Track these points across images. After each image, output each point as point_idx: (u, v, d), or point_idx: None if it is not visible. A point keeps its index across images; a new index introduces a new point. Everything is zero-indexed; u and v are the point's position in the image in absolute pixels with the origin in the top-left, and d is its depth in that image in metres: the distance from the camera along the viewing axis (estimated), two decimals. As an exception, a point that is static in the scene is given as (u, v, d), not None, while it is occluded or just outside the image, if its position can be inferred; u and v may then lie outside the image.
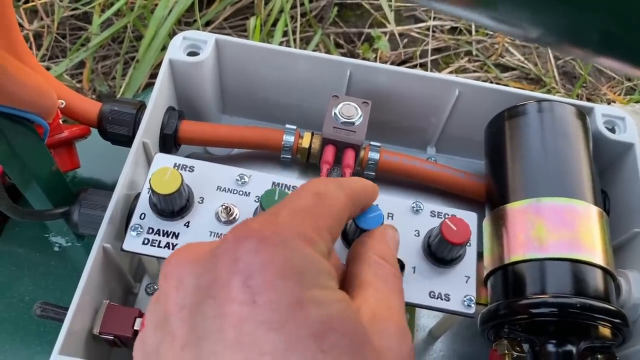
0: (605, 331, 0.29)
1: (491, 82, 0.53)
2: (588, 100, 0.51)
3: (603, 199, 0.38)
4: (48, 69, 0.52)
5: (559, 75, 0.53)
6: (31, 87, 0.27)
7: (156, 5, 0.53)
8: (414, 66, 0.55)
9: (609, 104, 0.49)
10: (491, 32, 0.58)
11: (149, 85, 0.51)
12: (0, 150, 0.27)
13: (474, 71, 0.55)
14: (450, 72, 0.55)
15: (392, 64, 0.56)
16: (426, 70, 0.54)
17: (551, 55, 0.55)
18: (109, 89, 0.52)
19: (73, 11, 0.56)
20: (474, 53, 0.57)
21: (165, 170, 0.29)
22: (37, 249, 0.38)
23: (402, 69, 0.38)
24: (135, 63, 0.52)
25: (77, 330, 0.29)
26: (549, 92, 0.53)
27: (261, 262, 0.17)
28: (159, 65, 0.53)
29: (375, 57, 0.56)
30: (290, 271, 0.17)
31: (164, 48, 0.53)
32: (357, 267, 0.22)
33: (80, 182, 0.40)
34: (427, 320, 0.36)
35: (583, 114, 0.36)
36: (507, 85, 0.54)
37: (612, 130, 0.37)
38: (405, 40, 0.58)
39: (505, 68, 0.55)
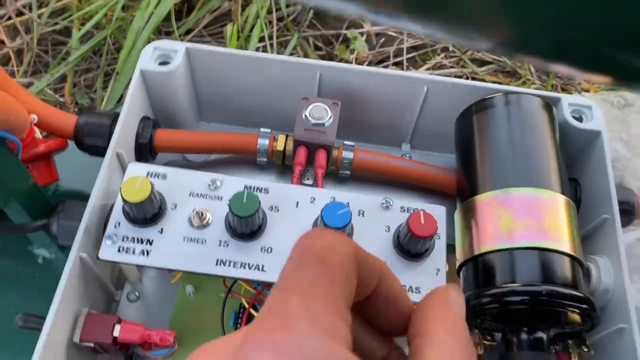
0: (575, 317, 0.30)
1: (467, 77, 0.54)
2: (563, 90, 0.52)
3: (574, 187, 0.38)
4: (30, 84, 0.53)
5: (535, 68, 0.54)
6: (3, 106, 0.28)
7: (134, 16, 0.54)
8: (391, 65, 0.56)
9: (580, 93, 0.49)
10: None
11: (130, 96, 0.52)
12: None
13: (451, 67, 0.56)
14: (427, 69, 0.55)
15: (369, 63, 0.57)
16: (402, 68, 0.55)
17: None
18: (90, 101, 0.52)
19: (54, 26, 0.57)
20: (450, 49, 0.57)
21: (136, 179, 0.29)
22: (22, 261, 0.39)
23: (370, 68, 0.39)
24: (115, 75, 0.52)
25: (58, 339, 0.29)
26: (524, 84, 0.53)
27: None
28: (138, 75, 0.54)
29: (353, 58, 0.56)
30: None
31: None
32: (422, 350, 0.17)
33: (61, 194, 0.41)
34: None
35: (549, 105, 0.36)
36: (483, 80, 0.54)
37: (580, 119, 0.38)
38: (382, 39, 0.58)
39: (481, 62, 0.56)
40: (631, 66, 0.13)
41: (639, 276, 0.37)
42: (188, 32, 0.59)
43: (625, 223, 0.39)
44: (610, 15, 0.11)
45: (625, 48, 0.12)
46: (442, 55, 0.57)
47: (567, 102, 0.38)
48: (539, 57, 0.14)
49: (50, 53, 0.58)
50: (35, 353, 0.28)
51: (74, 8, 0.56)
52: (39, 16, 0.55)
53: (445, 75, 0.44)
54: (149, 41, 0.53)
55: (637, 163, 0.40)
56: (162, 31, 0.58)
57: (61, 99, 0.54)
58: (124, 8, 0.55)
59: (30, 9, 0.56)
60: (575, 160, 0.39)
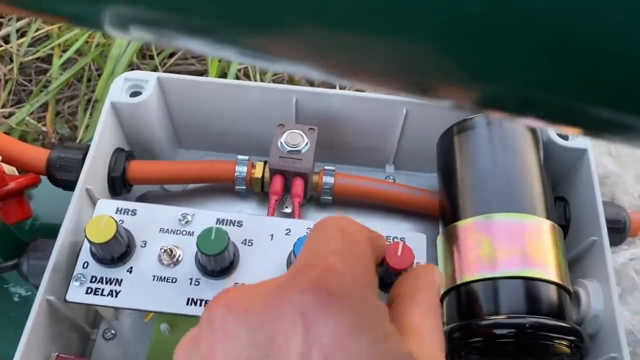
0: (562, 348, 0.29)
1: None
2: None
3: (563, 207, 0.37)
4: (12, 114, 0.53)
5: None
6: None
7: (114, 42, 0.54)
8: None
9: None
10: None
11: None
12: None
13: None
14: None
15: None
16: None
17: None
18: (70, 131, 0.52)
19: (35, 54, 0.56)
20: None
21: (101, 219, 0.28)
22: (-3, 300, 0.38)
23: (348, 92, 0.38)
24: (94, 103, 0.52)
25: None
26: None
27: (330, 318, 0.16)
28: (120, 102, 0.53)
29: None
30: (361, 325, 0.16)
31: (125, 84, 0.53)
32: (406, 308, 0.21)
33: (37, 230, 0.40)
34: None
35: (533, 127, 0.35)
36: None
37: (565, 138, 0.36)
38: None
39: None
40: (599, 120, 0.12)
41: (632, 297, 0.35)
42: (172, 55, 0.58)
43: (617, 242, 0.38)
44: (578, 75, 0.11)
45: (594, 104, 0.11)
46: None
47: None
48: (507, 113, 0.13)
49: (34, 81, 0.57)
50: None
51: (55, 36, 0.56)
52: (19, 46, 0.54)
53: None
54: (129, 66, 0.53)
55: (627, 178, 0.39)
56: (146, 54, 0.58)
57: (44, 128, 0.53)
58: (104, 34, 0.55)
59: (7, 41, 0.56)
60: (563, 179, 0.38)
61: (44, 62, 0.58)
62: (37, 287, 0.38)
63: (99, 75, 0.56)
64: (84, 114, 0.52)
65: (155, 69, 0.55)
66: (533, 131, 0.35)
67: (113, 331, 0.35)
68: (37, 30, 0.56)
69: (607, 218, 0.36)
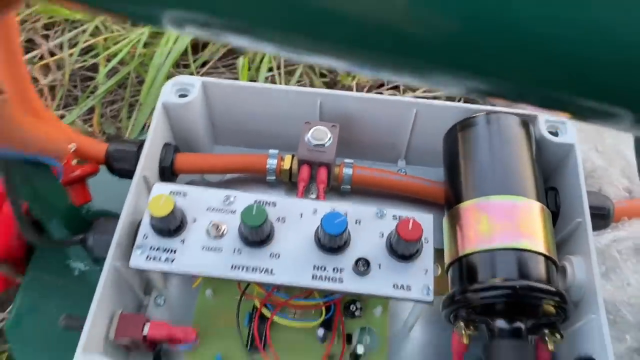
0: (549, 309, 0.34)
1: (460, 99, 0.59)
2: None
3: (554, 195, 0.42)
4: (62, 117, 0.59)
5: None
6: (44, 137, 0.33)
7: (155, 52, 0.60)
8: (389, 89, 0.60)
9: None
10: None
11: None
12: (26, 191, 0.33)
13: (445, 88, 0.61)
14: (423, 92, 0.60)
15: (369, 88, 0.61)
16: (398, 91, 0.59)
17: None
18: (116, 130, 0.58)
19: (82, 63, 0.63)
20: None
21: (160, 197, 0.34)
22: (60, 274, 0.44)
23: (364, 94, 0.43)
24: (139, 106, 0.58)
25: (96, 337, 0.34)
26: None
27: None
28: (159, 106, 0.59)
29: (354, 83, 0.61)
30: None
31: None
32: None
33: (94, 214, 0.46)
34: (403, 314, 0.40)
35: (526, 122, 0.41)
36: (474, 100, 0.59)
37: (555, 134, 0.42)
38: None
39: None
40: (583, 107, 0.17)
41: (615, 275, 0.40)
42: (204, 64, 0.64)
43: (602, 226, 0.43)
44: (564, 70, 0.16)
45: (578, 94, 0.17)
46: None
47: (544, 119, 0.42)
48: (507, 100, 0.19)
49: (79, 87, 0.63)
50: (77, 349, 0.32)
51: (100, 46, 0.62)
52: (70, 55, 0.61)
53: (439, 98, 0.48)
54: (168, 74, 0.59)
55: (613, 172, 0.44)
56: (180, 64, 0.64)
57: (90, 129, 0.59)
58: (145, 45, 0.61)
59: (62, 49, 0.62)
60: (554, 171, 0.43)
61: (87, 71, 0.65)
62: (97, 261, 0.43)
63: (139, 83, 0.62)
64: (128, 115, 0.59)
65: (189, 77, 0.61)
66: (526, 127, 0.40)
67: (163, 298, 0.40)
68: (85, 41, 0.62)
69: (593, 205, 0.41)
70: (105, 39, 0.62)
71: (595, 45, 0.15)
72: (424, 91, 0.60)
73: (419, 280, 0.35)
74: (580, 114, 0.19)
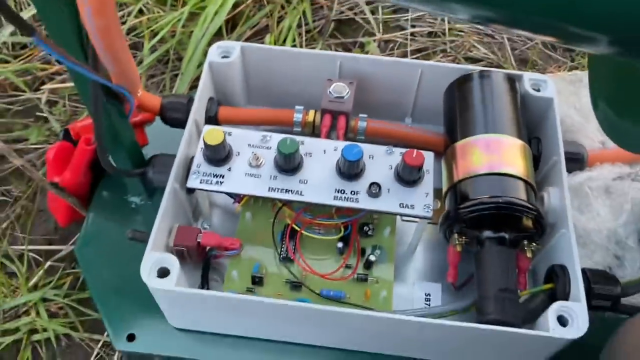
0: (528, 223, 0.41)
1: (460, 62, 0.66)
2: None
3: (537, 143, 0.49)
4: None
5: (515, 62, 0.66)
6: (133, 70, 0.40)
7: (192, 31, 0.68)
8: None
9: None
10: (461, 33, 0.72)
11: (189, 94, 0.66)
12: (106, 122, 0.41)
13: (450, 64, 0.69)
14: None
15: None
16: (407, 56, 0.67)
17: (508, 47, 0.68)
18: (160, 96, 0.66)
19: (128, 41, 0.71)
20: (447, 50, 0.70)
21: (213, 130, 0.42)
22: (119, 206, 0.52)
23: (378, 57, 0.51)
24: (180, 77, 0.66)
25: (159, 242, 0.42)
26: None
27: None
28: (197, 78, 0.67)
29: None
30: None
31: (199, 65, 0.67)
32: None
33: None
34: (407, 238, 0.48)
35: (513, 79, 0.48)
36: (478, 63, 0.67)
37: (538, 90, 0.49)
38: (391, 45, 0.71)
39: (473, 60, 0.68)
40: (568, 33, 0.24)
41: (587, 208, 0.48)
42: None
43: (578, 169, 0.51)
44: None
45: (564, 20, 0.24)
46: (441, 55, 0.69)
47: (528, 77, 0.50)
48: (505, 26, 0.26)
49: (124, 63, 0.72)
50: (146, 252, 0.40)
51: (144, 26, 0.71)
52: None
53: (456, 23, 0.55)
54: (204, 50, 0.67)
55: (588, 126, 0.52)
56: (210, 42, 0.72)
57: (135, 98, 0.68)
58: (183, 25, 0.70)
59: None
60: (537, 123, 0.50)
61: (131, 48, 0.73)
62: (151, 195, 0.52)
63: (176, 59, 0.71)
64: (170, 85, 0.67)
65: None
66: (512, 83, 0.48)
67: (208, 223, 0.48)
68: (131, 22, 0.71)
69: (569, 151, 0.49)
70: (148, 19, 0.71)
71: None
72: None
73: (421, 201, 0.42)
74: (564, 38, 0.26)
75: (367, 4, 0.70)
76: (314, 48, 0.71)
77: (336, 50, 0.72)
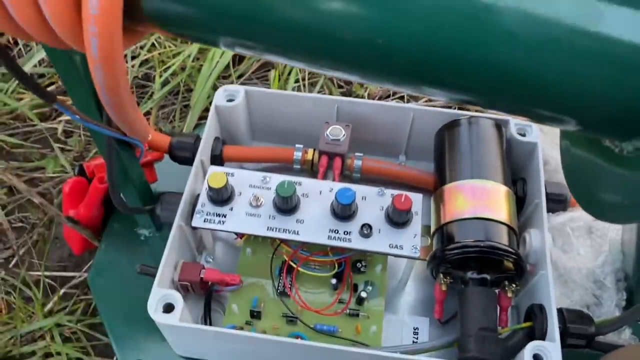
0: (509, 265, 0.44)
1: (455, 107, 0.69)
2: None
3: (522, 184, 0.52)
4: (124, 117, 0.71)
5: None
6: (142, 122, 0.44)
7: (201, 66, 0.72)
8: (396, 98, 0.72)
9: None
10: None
11: (198, 125, 0.69)
12: (121, 168, 0.45)
13: (444, 100, 0.72)
14: (425, 101, 0.71)
15: (380, 97, 0.73)
16: (403, 101, 0.71)
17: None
18: (171, 129, 0.70)
19: (138, 73, 0.75)
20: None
21: (217, 173, 0.46)
22: (129, 239, 0.55)
23: (373, 101, 0.55)
24: (190, 109, 0.70)
25: (166, 277, 0.45)
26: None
27: None
28: (205, 109, 0.71)
29: (366, 93, 0.73)
30: None
31: (208, 97, 0.71)
32: None
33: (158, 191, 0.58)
34: (398, 274, 0.51)
35: (499, 125, 0.51)
36: (468, 111, 0.70)
37: (523, 135, 0.52)
38: (391, 79, 0.75)
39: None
40: (539, 113, 0.27)
41: (569, 247, 0.51)
42: (240, 76, 0.76)
43: (561, 209, 0.53)
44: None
45: (532, 105, 0.27)
46: (437, 90, 0.72)
47: (514, 123, 0.53)
48: (482, 107, 0.30)
49: (135, 94, 0.76)
50: (154, 285, 0.44)
51: (156, 60, 0.75)
52: (132, 66, 0.73)
53: (437, 107, 0.59)
54: (214, 84, 0.71)
55: (573, 167, 0.54)
56: (221, 76, 0.76)
57: (146, 128, 0.71)
58: (193, 60, 0.74)
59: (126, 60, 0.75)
60: (522, 165, 0.53)
61: (142, 79, 0.77)
62: (159, 229, 0.55)
63: (186, 90, 0.74)
64: (180, 116, 0.71)
65: (228, 86, 0.74)
66: (499, 129, 0.51)
67: (212, 257, 0.52)
68: (144, 55, 0.75)
69: (553, 192, 0.52)
70: (160, 54, 0.75)
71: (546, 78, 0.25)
72: (425, 101, 0.72)
73: (409, 242, 0.45)
74: (536, 119, 0.29)
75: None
76: (316, 82, 0.74)
77: (338, 84, 0.75)
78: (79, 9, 0.25)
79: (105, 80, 0.27)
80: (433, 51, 0.25)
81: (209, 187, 0.46)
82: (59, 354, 0.54)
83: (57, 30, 0.26)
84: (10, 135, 0.71)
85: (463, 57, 0.25)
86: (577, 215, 0.52)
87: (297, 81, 0.73)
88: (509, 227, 0.45)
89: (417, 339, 0.48)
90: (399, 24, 0.24)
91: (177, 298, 0.43)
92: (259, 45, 0.27)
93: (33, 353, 0.54)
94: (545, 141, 0.56)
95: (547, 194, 0.50)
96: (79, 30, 0.25)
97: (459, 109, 0.62)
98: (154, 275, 0.46)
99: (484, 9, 0.24)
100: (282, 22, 0.26)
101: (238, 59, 0.77)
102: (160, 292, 0.43)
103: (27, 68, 0.72)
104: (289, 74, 0.74)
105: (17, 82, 0.72)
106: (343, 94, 0.74)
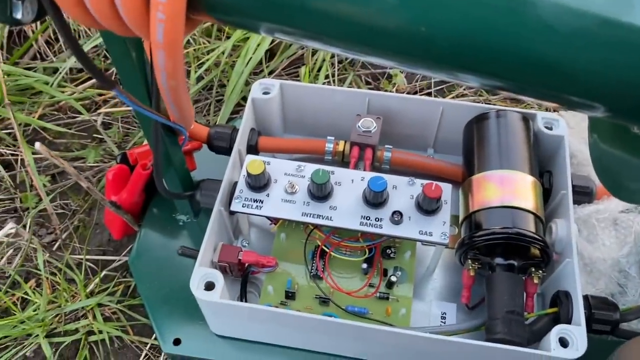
0: (535, 252, 0.46)
1: (482, 103, 0.71)
2: (554, 111, 0.67)
3: (549, 176, 0.54)
4: (161, 111, 0.74)
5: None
6: (191, 110, 0.47)
7: (234, 62, 0.75)
8: (425, 94, 0.73)
9: (558, 112, 0.65)
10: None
11: (231, 119, 0.72)
12: (164, 154, 0.48)
13: (471, 96, 0.73)
14: (452, 97, 0.73)
15: (407, 93, 0.74)
16: (430, 96, 0.72)
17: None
18: (206, 122, 0.73)
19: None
20: (471, 82, 0.74)
21: (255, 161, 0.48)
22: (168, 223, 0.58)
23: (403, 95, 0.57)
24: (222, 104, 0.73)
25: (206, 258, 0.48)
26: (526, 107, 0.70)
27: None
28: (238, 104, 0.74)
29: (394, 90, 0.74)
30: None
31: (241, 92, 0.74)
32: None
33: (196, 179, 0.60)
34: (426, 261, 0.53)
35: (527, 118, 0.53)
36: (495, 104, 0.71)
37: (550, 128, 0.54)
38: (417, 76, 0.76)
39: (494, 92, 0.73)
40: (569, 99, 0.29)
41: (594, 238, 0.52)
42: (271, 72, 0.79)
43: (587, 201, 0.55)
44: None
45: (563, 91, 0.29)
46: (464, 87, 0.74)
47: (541, 117, 0.54)
48: (513, 93, 0.31)
49: (171, 89, 0.78)
50: (195, 267, 0.46)
51: (191, 56, 0.77)
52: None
53: (467, 95, 0.61)
54: (246, 80, 0.73)
55: (599, 161, 0.56)
56: (252, 72, 0.79)
57: (181, 122, 0.74)
58: (227, 56, 0.76)
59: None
60: (550, 158, 0.55)
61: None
62: (197, 215, 0.58)
63: (219, 86, 0.77)
64: (215, 110, 0.73)
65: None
66: (527, 122, 0.53)
67: (247, 242, 0.54)
68: (180, 52, 0.77)
69: (579, 185, 0.53)
70: (195, 50, 0.77)
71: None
72: (452, 97, 0.73)
73: (438, 229, 0.47)
74: (567, 105, 0.31)
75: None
76: (345, 78, 0.76)
77: (366, 80, 0.77)
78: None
79: (166, 64, 0.30)
80: (472, 40, 0.27)
81: (248, 173, 0.48)
82: (100, 332, 0.57)
83: (126, 18, 0.28)
84: (54, 125, 0.74)
85: (499, 46, 0.27)
86: (603, 208, 0.53)
87: (327, 77, 0.75)
88: (536, 216, 0.47)
89: (445, 323, 0.50)
90: (441, 15, 0.26)
91: (217, 277, 0.45)
92: (305, 32, 0.30)
93: (76, 330, 0.57)
94: (572, 135, 0.57)
95: (573, 186, 0.51)
96: (146, 18, 0.28)
97: (487, 103, 0.63)
98: (193, 257, 0.48)
99: (520, 1, 0.26)
100: (330, 11, 0.28)
101: (269, 56, 0.79)
102: (202, 270, 0.46)
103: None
104: (319, 70, 0.76)
105: (61, 75, 0.76)
106: (371, 89, 0.76)
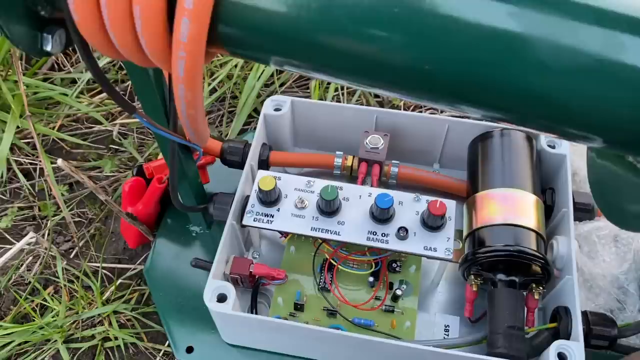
0: (536, 268, 0.47)
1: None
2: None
3: (551, 193, 0.55)
4: (175, 122, 0.76)
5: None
6: (207, 131, 0.49)
7: (247, 75, 0.77)
8: (429, 109, 0.75)
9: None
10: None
11: (243, 130, 0.74)
12: (179, 169, 0.50)
13: (477, 110, 0.75)
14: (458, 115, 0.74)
15: (414, 107, 0.76)
16: (437, 111, 0.74)
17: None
18: (218, 134, 0.75)
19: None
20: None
21: (267, 177, 0.50)
22: (182, 234, 0.60)
23: (410, 112, 0.58)
24: (234, 115, 0.75)
25: (219, 270, 0.50)
26: (530, 123, 0.71)
27: None
28: (250, 115, 0.76)
29: (402, 103, 0.76)
30: None
31: (253, 104, 0.76)
32: None
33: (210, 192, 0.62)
34: (431, 274, 0.54)
35: (530, 137, 0.55)
36: (499, 123, 0.73)
37: (553, 147, 0.55)
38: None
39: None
40: (567, 132, 0.31)
41: (594, 254, 0.53)
42: (282, 84, 0.81)
43: (588, 218, 0.56)
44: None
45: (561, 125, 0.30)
46: (470, 101, 0.75)
47: (545, 135, 0.56)
48: (513, 124, 0.33)
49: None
50: (209, 280, 0.48)
51: (205, 69, 0.80)
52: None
53: (470, 118, 0.62)
54: (258, 92, 0.76)
55: (600, 178, 0.57)
56: (263, 85, 0.81)
57: (194, 133, 0.76)
58: (240, 69, 0.78)
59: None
60: (552, 175, 0.56)
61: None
62: (210, 226, 0.60)
63: (231, 98, 0.79)
64: (227, 122, 0.76)
65: (271, 94, 0.78)
66: (530, 141, 0.54)
67: (258, 253, 0.56)
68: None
69: (580, 202, 0.55)
70: (206, 66, 0.80)
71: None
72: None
73: (443, 245, 0.49)
74: (565, 137, 0.32)
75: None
76: (354, 91, 0.78)
77: (374, 95, 0.79)
78: (170, 37, 0.29)
79: (186, 95, 0.32)
80: (473, 76, 0.29)
81: (259, 189, 0.50)
82: (115, 338, 0.59)
83: (149, 53, 0.30)
84: (71, 136, 0.76)
85: (499, 82, 0.29)
86: (603, 225, 0.54)
87: (336, 90, 0.77)
88: (537, 234, 0.48)
89: (448, 335, 0.51)
90: (444, 55, 0.28)
91: (229, 289, 0.47)
92: (313, 66, 0.32)
93: (93, 337, 0.60)
94: (574, 152, 0.58)
95: (574, 203, 0.53)
96: (168, 54, 0.30)
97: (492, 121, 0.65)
98: (205, 268, 0.50)
99: (518, 40, 0.28)
100: (337, 48, 0.30)
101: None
102: (215, 283, 0.48)
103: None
104: (329, 83, 0.78)
105: (80, 87, 0.78)
106: (379, 103, 0.77)
